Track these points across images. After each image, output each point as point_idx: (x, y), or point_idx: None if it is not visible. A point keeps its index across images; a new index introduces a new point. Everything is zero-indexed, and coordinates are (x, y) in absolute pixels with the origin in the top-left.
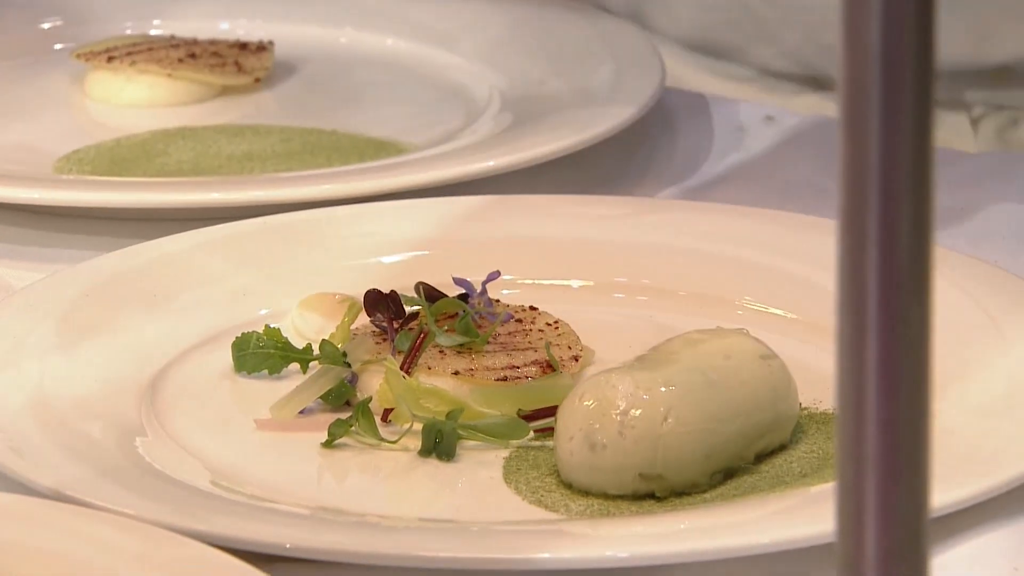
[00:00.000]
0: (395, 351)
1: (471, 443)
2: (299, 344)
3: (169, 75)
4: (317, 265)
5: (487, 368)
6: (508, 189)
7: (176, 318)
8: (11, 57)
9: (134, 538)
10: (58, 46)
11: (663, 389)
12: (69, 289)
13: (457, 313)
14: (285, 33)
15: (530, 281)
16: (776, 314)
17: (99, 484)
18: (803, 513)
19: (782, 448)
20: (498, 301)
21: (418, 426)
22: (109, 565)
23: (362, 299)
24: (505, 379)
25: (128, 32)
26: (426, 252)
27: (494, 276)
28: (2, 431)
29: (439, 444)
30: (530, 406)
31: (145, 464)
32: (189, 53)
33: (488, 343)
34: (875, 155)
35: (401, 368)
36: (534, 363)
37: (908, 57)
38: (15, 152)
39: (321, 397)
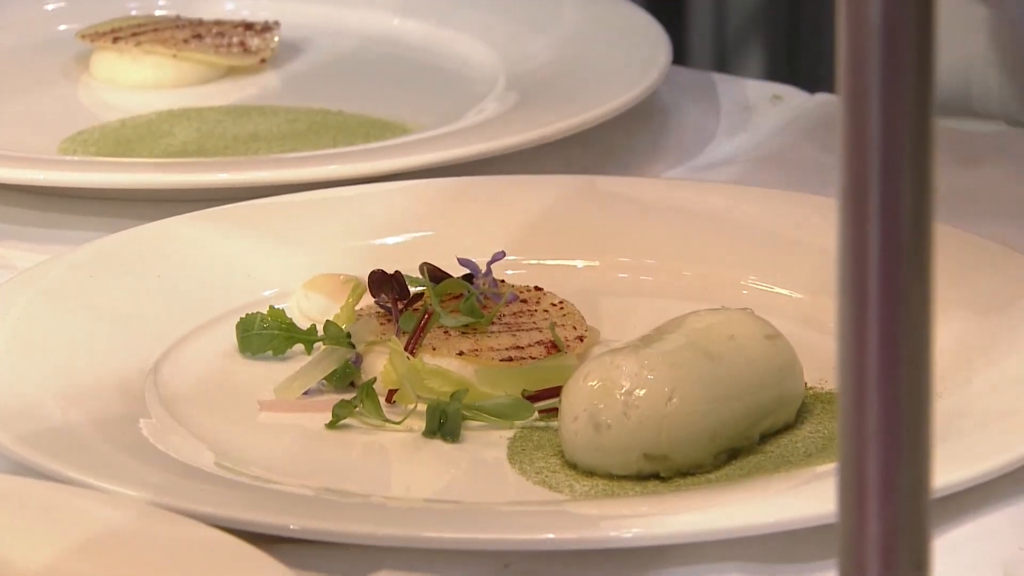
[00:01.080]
0: (399, 332)
1: (475, 424)
2: (303, 325)
3: (174, 56)
4: (322, 246)
5: (492, 349)
6: (513, 169)
7: (180, 299)
8: (16, 38)
9: (138, 519)
10: (63, 27)
11: (667, 369)
12: (73, 270)
13: (462, 294)
14: (291, 13)
15: (535, 261)
16: (781, 294)
17: (103, 465)
18: (807, 493)
19: (787, 428)
20: (503, 281)
21: (422, 407)
22: (113, 546)
23: (367, 280)
24: (510, 359)
25: (133, 13)
26: (431, 232)
27: (499, 256)
28: (5, 413)
29: (443, 425)
30: (535, 386)
31: (149, 445)
32: (194, 34)
33: (493, 323)
34: (875, 132)
35: (405, 349)
36: (539, 343)
37: (909, 31)
38: (20, 133)
39: (325, 378)
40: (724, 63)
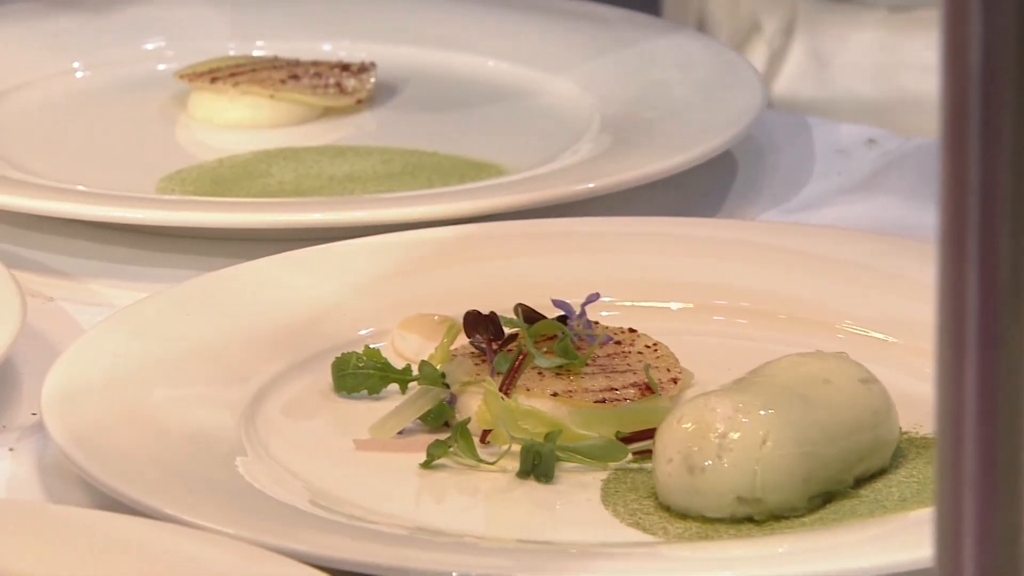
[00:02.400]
0: (494, 372)
1: (569, 465)
2: (399, 365)
3: (271, 96)
4: (417, 286)
5: (586, 390)
6: (607, 211)
7: (276, 338)
8: (115, 77)
9: (234, 557)
10: (161, 66)
11: (762, 412)
12: (171, 308)
13: (556, 335)
14: (387, 54)
15: (629, 303)
16: (876, 338)
17: (200, 503)
18: (902, 538)
19: (881, 472)
20: (597, 323)
21: (516, 447)
22: None
23: (462, 320)
24: (604, 401)
25: (231, 53)
26: (526, 274)
27: (593, 298)
28: (103, 450)
29: (537, 466)
30: (629, 428)
31: (245, 484)
32: (291, 74)
33: (587, 365)
34: (975, 178)
35: (500, 389)
36: (633, 385)
37: (1009, 79)
38: (118, 172)
39: (420, 418)
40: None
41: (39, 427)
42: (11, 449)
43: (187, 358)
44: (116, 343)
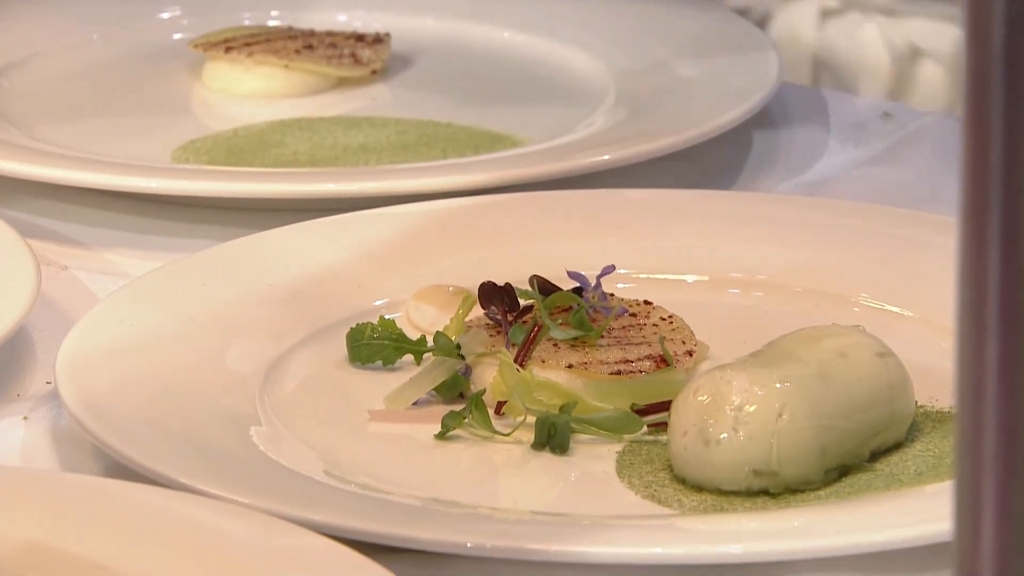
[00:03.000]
0: (509, 344)
1: (584, 437)
2: (413, 336)
3: (286, 66)
4: (432, 257)
5: (601, 362)
6: (622, 183)
7: (291, 308)
8: (130, 47)
9: (247, 526)
10: (177, 36)
11: (778, 385)
12: (186, 278)
13: (571, 307)
14: (402, 25)
15: (645, 275)
16: (892, 311)
17: (213, 472)
18: (918, 512)
19: (897, 446)
20: (612, 295)
21: (531, 419)
22: (222, 553)
23: (477, 291)
24: (619, 373)
25: (246, 23)
26: (541, 245)
27: (609, 270)
28: (119, 419)
29: (552, 437)
30: (644, 400)
31: (259, 453)
32: (306, 44)
33: (602, 337)
34: (998, 152)
35: (515, 361)
36: (648, 357)
37: None
38: (133, 141)
39: (435, 389)
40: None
41: (53, 396)
42: (25, 418)
43: (201, 328)
44: (130, 312)
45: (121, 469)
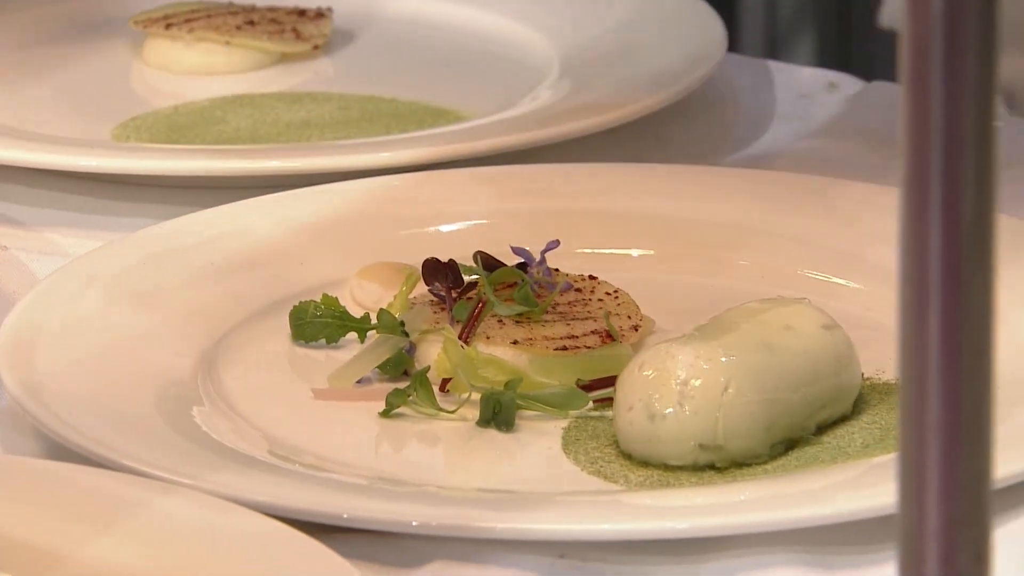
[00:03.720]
0: (453, 321)
1: (530, 413)
2: (357, 313)
3: (227, 42)
4: (375, 234)
5: (546, 338)
6: (567, 157)
7: (233, 287)
8: (69, 24)
9: (190, 507)
10: (115, 12)
11: (723, 359)
12: (127, 257)
13: (516, 282)
14: (343, 0)
15: (589, 250)
16: (838, 283)
17: (156, 453)
18: (865, 484)
19: (844, 419)
20: (557, 270)
21: (476, 396)
22: (164, 534)
23: (420, 268)
24: (564, 349)
25: None
26: (485, 221)
27: (553, 245)
28: (58, 399)
29: (498, 414)
30: (589, 376)
31: (202, 433)
32: (247, 20)
33: (547, 313)
34: (937, 121)
35: (459, 337)
36: (593, 333)
37: (971, 19)
38: (73, 119)
39: (379, 367)
40: (776, 51)
41: None
42: None
43: (143, 307)
44: (71, 292)
45: (63, 451)
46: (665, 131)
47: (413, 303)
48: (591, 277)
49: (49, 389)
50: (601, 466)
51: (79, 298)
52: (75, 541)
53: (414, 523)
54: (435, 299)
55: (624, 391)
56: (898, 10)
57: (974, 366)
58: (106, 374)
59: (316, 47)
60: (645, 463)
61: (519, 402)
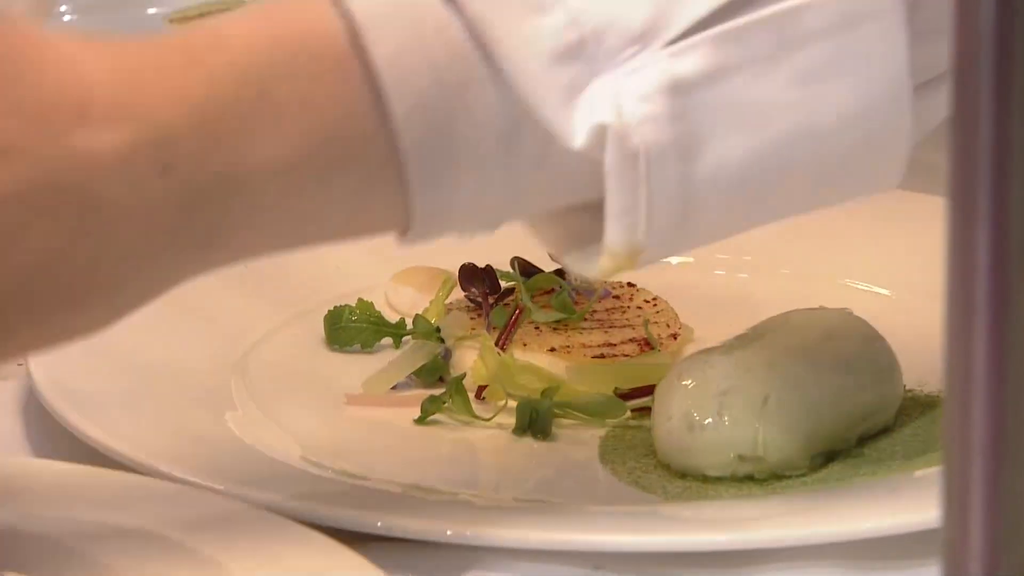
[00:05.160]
0: (490, 327)
1: (567, 422)
2: (392, 318)
3: None
4: None
5: (584, 345)
6: None
7: (268, 291)
8: (105, 21)
9: (223, 514)
10: (152, 10)
11: (764, 370)
12: None
13: (553, 289)
14: None
15: None
16: (881, 293)
17: (188, 458)
18: (906, 498)
19: (885, 431)
20: None
21: (513, 404)
22: (197, 541)
23: (457, 273)
24: (602, 356)
25: None
26: (523, 226)
27: None
28: (93, 405)
29: (534, 422)
30: (627, 384)
31: (235, 439)
32: None
33: (585, 320)
34: (987, 131)
35: (496, 344)
36: (632, 341)
37: (1020, 29)
38: None
39: (414, 373)
40: None
41: (25, 378)
42: None
43: (177, 312)
44: None
45: (95, 456)
46: None
47: (449, 308)
48: (629, 284)
49: (81, 392)
50: (638, 476)
51: None
52: (99, 544)
53: (448, 532)
54: (471, 305)
55: (662, 400)
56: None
57: (1020, 381)
58: (138, 377)
59: None
60: (683, 474)
61: (556, 410)
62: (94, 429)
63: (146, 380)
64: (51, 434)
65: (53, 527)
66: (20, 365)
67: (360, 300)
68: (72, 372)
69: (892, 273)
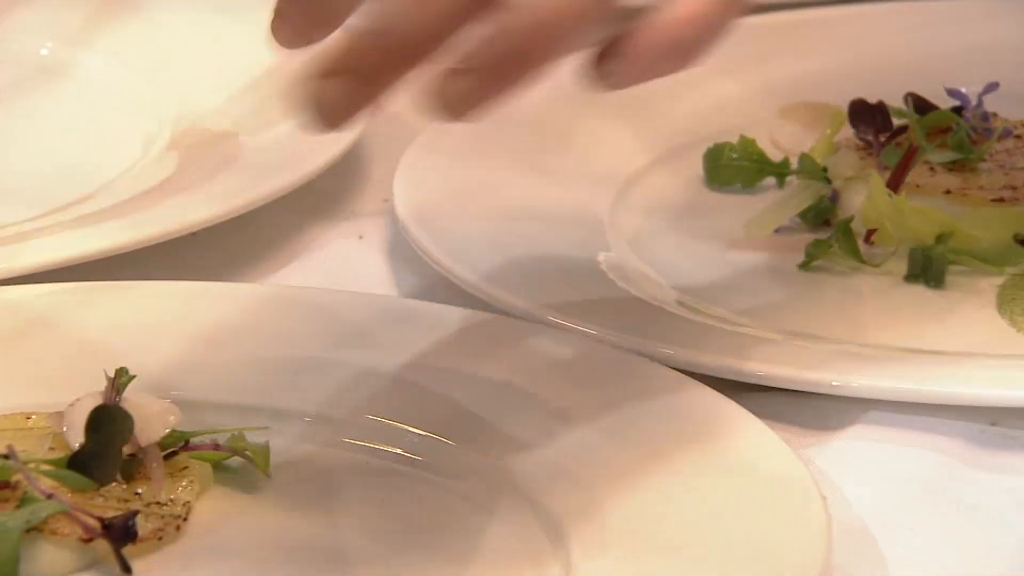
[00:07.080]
0: (881, 167)
1: (961, 269)
2: (776, 157)
3: None
4: (798, 70)
5: (982, 188)
6: None
7: (646, 126)
8: None
9: (597, 359)
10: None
11: None
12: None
13: (950, 127)
14: None
15: None
16: None
17: (559, 301)
18: None
19: None
20: (996, 115)
21: (904, 249)
22: (566, 383)
23: (847, 109)
24: (1001, 200)
25: None
26: (918, 59)
27: (992, 87)
28: (459, 241)
29: (927, 269)
30: None
31: (608, 281)
32: None
33: (984, 160)
34: None
35: (887, 186)
36: None
37: None
38: None
39: (799, 215)
40: None
41: (390, 214)
42: (360, 237)
43: (549, 145)
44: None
45: (465, 298)
46: None
47: (838, 147)
48: None
49: (448, 229)
50: None
51: (478, 131)
52: (466, 386)
53: (834, 383)
54: (861, 143)
55: None
56: None
57: None
58: (506, 215)
59: None
60: None
61: (950, 257)
62: (462, 268)
63: (514, 217)
64: (417, 272)
65: (417, 367)
66: (385, 202)
67: (742, 137)
68: (439, 209)
69: None
